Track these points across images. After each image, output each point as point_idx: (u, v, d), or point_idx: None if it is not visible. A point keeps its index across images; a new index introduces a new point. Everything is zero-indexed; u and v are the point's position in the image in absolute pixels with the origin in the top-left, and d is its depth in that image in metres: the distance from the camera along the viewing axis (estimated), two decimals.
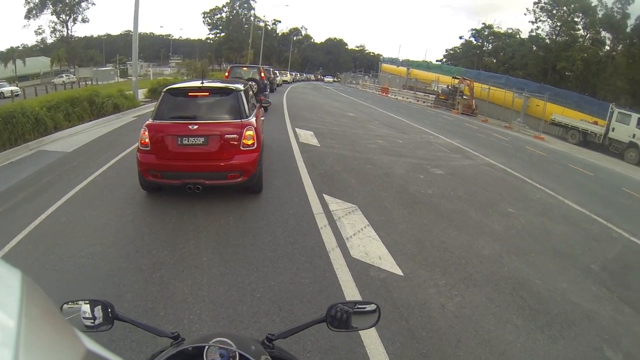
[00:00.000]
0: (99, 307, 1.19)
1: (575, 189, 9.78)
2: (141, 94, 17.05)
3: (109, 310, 1.19)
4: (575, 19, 46.36)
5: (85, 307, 1.18)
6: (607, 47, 44.60)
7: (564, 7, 46.47)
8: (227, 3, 79.23)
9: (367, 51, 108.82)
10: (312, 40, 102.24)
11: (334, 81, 68.70)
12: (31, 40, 73.51)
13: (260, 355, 1.05)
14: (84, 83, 36.76)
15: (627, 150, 21.23)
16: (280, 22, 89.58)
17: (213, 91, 5.50)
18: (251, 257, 3.98)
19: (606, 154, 21.27)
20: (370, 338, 2.93)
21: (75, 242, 4.15)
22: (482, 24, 59.86)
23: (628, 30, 42.06)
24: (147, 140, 5.00)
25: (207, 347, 0.98)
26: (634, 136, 21.04)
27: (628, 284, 4.92)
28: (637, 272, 5.44)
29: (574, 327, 3.65)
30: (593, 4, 44.19)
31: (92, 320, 1.17)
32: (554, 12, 47.71)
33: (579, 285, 4.49)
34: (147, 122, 5.19)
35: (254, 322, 3.02)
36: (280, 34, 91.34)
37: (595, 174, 13.42)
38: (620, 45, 43.34)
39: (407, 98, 35.94)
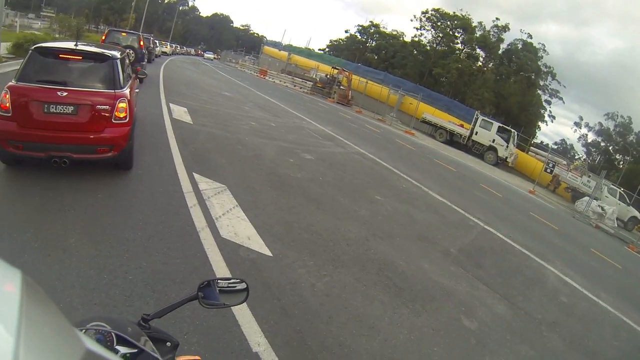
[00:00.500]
0: None
1: (439, 182, 10.98)
2: (4, 48, 14.40)
3: None
4: (456, 34, 51.58)
5: None
6: (480, 63, 50.67)
7: (448, 22, 51.37)
8: None
9: (252, 31, 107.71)
10: (199, 13, 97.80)
11: (214, 58, 63.15)
12: None
13: (139, 337, 1.04)
14: None
15: (486, 152, 24.74)
16: None
17: (87, 56, 4.94)
18: (122, 238, 3.72)
19: (469, 153, 24.51)
20: (245, 317, 2.97)
21: None
22: (370, 21, 62.43)
23: (500, 52, 48.49)
24: (8, 104, 4.31)
25: (83, 331, 0.94)
26: (493, 141, 24.55)
27: (482, 265, 5.75)
28: (490, 255, 6.37)
29: (435, 301, 4.16)
30: (474, 25, 49.68)
31: None
32: (439, 24, 52.41)
33: (440, 266, 5.10)
34: (10, 83, 4.47)
35: (128, 306, 2.85)
36: (166, 2, 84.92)
37: (458, 170, 15.21)
38: (491, 64, 49.76)
39: (285, 82, 35.55)
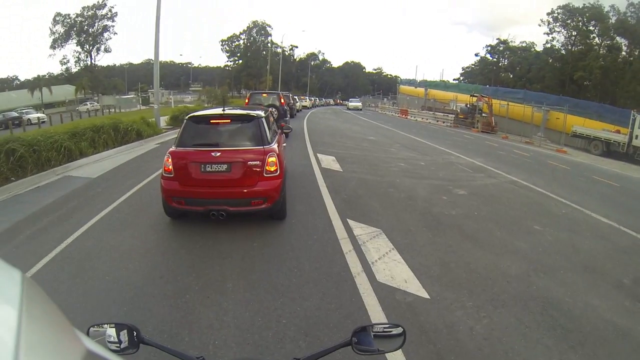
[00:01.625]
0: (125, 330, 1.20)
1: (602, 201, 9.50)
2: (163, 121, 17.42)
3: (135, 334, 1.20)
4: (590, 28, 45.88)
5: (111, 331, 1.20)
6: (624, 53, 43.90)
7: (578, 16, 46.12)
8: (244, 30, 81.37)
9: (384, 73, 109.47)
10: (330, 64, 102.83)
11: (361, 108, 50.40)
12: (56, 69, 76.66)
13: None
14: (107, 111, 38.02)
15: None
16: (297, 47, 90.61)
17: (235, 118, 5.55)
18: (276, 283, 3.97)
19: (631, 162, 20.61)
20: None
21: (101, 267, 4.22)
22: (497, 39, 59.84)
23: None
24: (170, 167, 5.06)
25: None
26: None
27: None
28: None
29: (608, 344, 3.51)
30: (606, 10, 43.75)
31: (118, 344, 1.19)
32: (569, 21, 47.37)
33: (611, 301, 4.32)
34: (171, 149, 5.26)
35: (280, 347, 3.00)
36: (297, 59, 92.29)
37: (622, 184, 13.03)
38: (638, 51, 42.65)
39: (427, 119, 35.75)
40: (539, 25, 61.10)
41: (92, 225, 5.47)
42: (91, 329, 1.19)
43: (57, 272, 4.10)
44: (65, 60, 67.65)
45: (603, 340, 3.56)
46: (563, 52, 48.37)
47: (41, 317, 0.46)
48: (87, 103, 47.41)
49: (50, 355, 0.42)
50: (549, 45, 50.13)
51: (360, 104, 52.17)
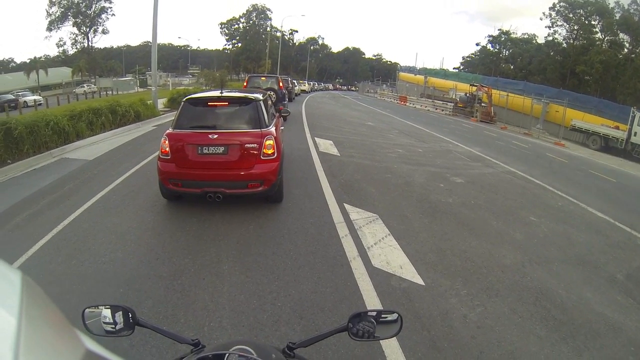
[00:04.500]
0: (120, 312, 1.20)
1: (598, 196, 9.54)
2: (160, 103, 17.26)
3: (130, 315, 1.20)
4: (593, 22, 45.61)
5: (107, 312, 1.19)
6: (626, 50, 43.72)
7: (580, 10, 45.80)
8: (244, 14, 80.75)
9: (384, 60, 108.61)
10: (329, 49, 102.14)
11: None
12: (53, 51, 75.85)
13: None
14: (104, 93, 37.68)
15: None
16: (297, 31, 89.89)
17: (232, 101, 5.52)
18: (272, 266, 3.98)
19: (629, 159, 20.72)
20: (391, 348, 2.88)
21: (97, 249, 4.22)
22: (499, 30, 59.44)
23: None
24: (167, 149, 5.04)
25: (227, 354, 0.98)
26: None
27: None
28: None
29: (599, 338, 3.54)
30: (610, 6, 43.47)
31: (113, 325, 1.19)
32: (571, 15, 47.06)
33: (604, 295, 4.35)
34: (168, 131, 5.23)
35: (275, 330, 3.02)
36: (297, 44, 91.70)
37: (618, 180, 13.09)
38: (639, 48, 42.48)
39: (426, 106, 35.91)
40: (541, 19, 60.92)
41: (89, 207, 5.45)
42: (86, 310, 1.19)
43: (54, 255, 4.09)
44: (61, 42, 66.81)
45: (595, 333, 3.58)
46: (565, 45, 48.11)
47: (41, 318, 0.46)
48: (84, 85, 46.99)
49: (50, 355, 0.43)
50: (550, 38, 49.90)
51: None
